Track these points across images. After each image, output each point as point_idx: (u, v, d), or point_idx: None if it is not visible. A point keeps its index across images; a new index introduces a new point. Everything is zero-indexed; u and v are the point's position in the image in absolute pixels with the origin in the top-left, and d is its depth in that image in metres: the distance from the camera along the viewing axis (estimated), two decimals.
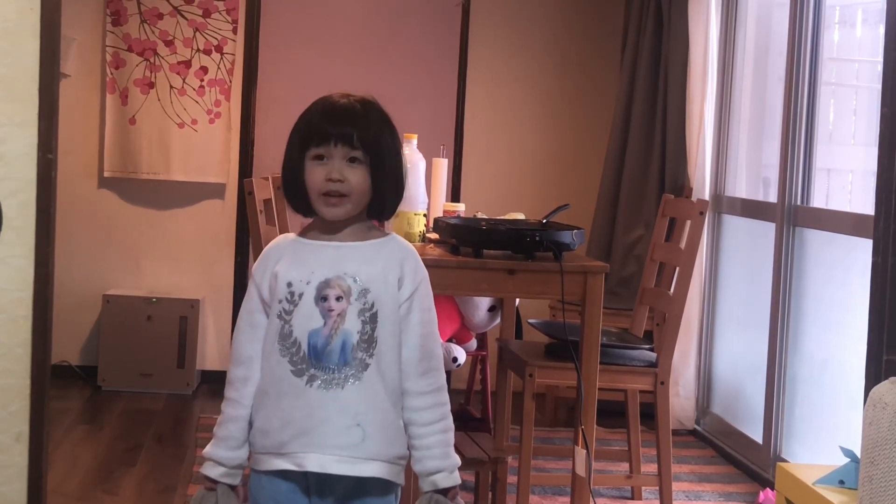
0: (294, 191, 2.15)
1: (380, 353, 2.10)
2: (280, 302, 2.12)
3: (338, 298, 2.09)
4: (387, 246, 2.16)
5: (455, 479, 2.14)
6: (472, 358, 5.01)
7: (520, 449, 3.81)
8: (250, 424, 2.17)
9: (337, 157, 2.10)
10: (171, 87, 5.77)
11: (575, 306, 3.54)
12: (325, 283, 2.10)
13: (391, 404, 2.11)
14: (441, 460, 2.12)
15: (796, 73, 4.53)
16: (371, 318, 2.09)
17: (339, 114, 2.13)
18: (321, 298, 2.09)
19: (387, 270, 2.12)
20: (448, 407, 2.17)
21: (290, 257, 2.15)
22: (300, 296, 2.10)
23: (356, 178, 2.10)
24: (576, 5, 6.07)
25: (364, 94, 2.20)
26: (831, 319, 4.26)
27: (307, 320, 2.09)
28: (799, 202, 4.53)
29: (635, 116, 5.60)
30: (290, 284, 2.11)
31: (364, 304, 2.09)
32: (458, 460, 2.15)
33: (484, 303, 4.74)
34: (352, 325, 2.08)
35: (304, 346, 2.09)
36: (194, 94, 5.79)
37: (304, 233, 2.20)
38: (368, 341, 2.09)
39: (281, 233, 4.23)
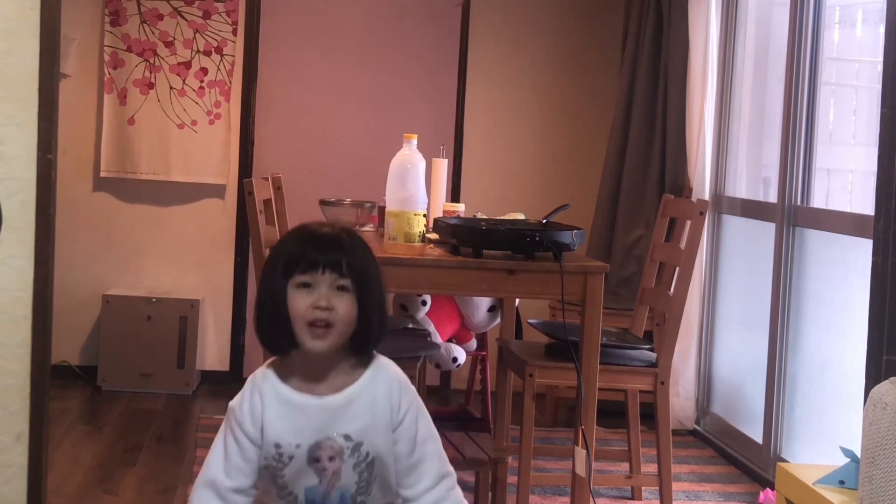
0: (273, 321, 2.05)
1: (378, 485, 2.09)
2: (267, 458, 2.07)
3: (331, 459, 2.05)
4: (374, 385, 2.09)
5: None
6: (472, 358, 5.01)
7: (520, 449, 3.81)
8: None
9: (324, 285, 2.02)
10: (171, 87, 5.77)
11: (575, 306, 3.54)
12: (317, 446, 2.05)
13: None
14: None
15: (796, 73, 4.53)
16: (368, 467, 2.07)
17: (326, 241, 2.05)
18: (314, 460, 2.06)
19: (378, 414, 2.07)
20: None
21: (275, 411, 2.07)
22: (290, 457, 2.06)
23: (344, 306, 2.02)
24: (576, 5, 6.07)
25: (343, 225, 2.14)
26: (831, 319, 4.26)
27: (301, 478, 2.06)
28: (799, 202, 4.53)
29: (635, 116, 5.60)
30: (278, 446, 2.05)
31: (359, 458, 2.06)
32: None
33: (484, 303, 4.74)
34: (348, 479, 2.06)
35: (301, 498, 2.07)
36: (194, 95, 5.79)
37: (285, 377, 2.09)
38: (367, 483, 2.08)
39: (281, 232, 4.24)
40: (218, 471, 2.08)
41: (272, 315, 2.05)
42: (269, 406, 2.06)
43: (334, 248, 2.04)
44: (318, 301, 2.01)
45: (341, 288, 2.03)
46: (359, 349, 2.08)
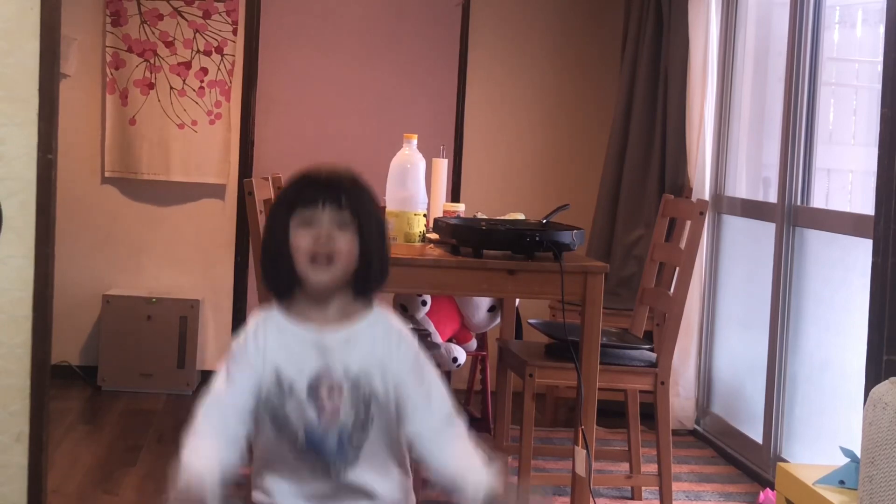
0: (276, 260, 2.08)
1: (377, 428, 2.09)
2: (269, 389, 2.08)
3: (329, 395, 2.07)
4: (374, 326, 2.11)
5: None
6: (472, 358, 5.01)
7: (520, 449, 3.81)
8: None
9: (325, 221, 2.06)
10: (172, 87, 5.77)
11: (575, 306, 3.54)
12: (316, 378, 2.07)
13: (396, 464, 2.13)
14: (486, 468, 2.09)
15: (796, 73, 4.53)
16: (365, 406, 2.08)
17: (326, 179, 2.09)
18: (313, 395, 2.07)
19: (378, 354, 2.09)
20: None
21: (276, 341, 2.10)
22: (290, 388, 2.08)
23: (344, 241, 2.06)
24: (576, 5, 6.07)
25: (346, 167, 2.17)
26: (831, 319, 4.26)
27: (302, 413, 2.07)
28: (799, 202, 4.53)
29: (635, 116, 5.60)
30: (279, 374, 2.08)
31: (356, 395, 2.07)
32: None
33: (484, 303, 4.74)
34: (346, 418, 2.07)
35: (302, 436, 2.07)
36: (194, 95, 5.79)
37: (288, 313, 2.12)
38: (365, 422, 2.08)
39: None
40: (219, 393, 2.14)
41: (276, 254, 2.08)
42: (271, 336, 2.09)
43: (335, 185, 2.08)
44: (319, 235, 2.05)
45: (342, 225, 2.06)
46: (360, 288, 2.11)
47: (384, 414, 2.09)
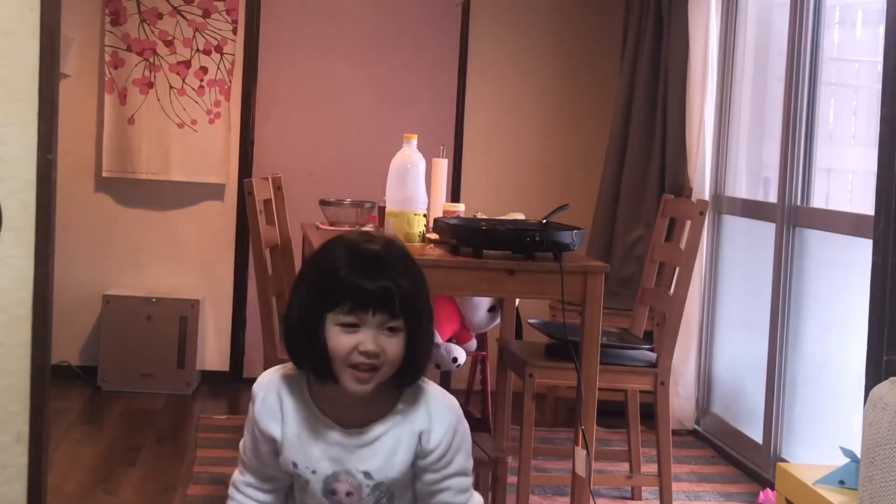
0: (305, 352, 1.82)
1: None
2: (288, 471, 1.92)
3: (348, 494, 1.89)
4: (405, 418, 1.88)
5: None
6: (472, 358, 5.01)
7: (520, 449, 3.81)
8: None
9: (372, 327, 1.78)
10: (171, 87, 5.77)
11: (575, 306, 3.54)
12: (333, 478, 1.88)
13: None
14: None
15: (796, 73, 4.53)
16: (388, 500, 1.93)
17: (375, 271, 1.78)
18: (330, 492, 1.90)
19: (402, 452, 1.87)
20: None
21: (294, 428, 1.88)
22: (306, 482, 1.90)
23: (392, 348, 1.80)
24: (576, 5, 6.07)
25: (384, 236, 1.90)
26: (831, 319, 4.26)
27: (319, 502, 1.93)
28: (799, 202, 4.53)
29: (635, 116, 5.60)
30: (294, 466, 1.90)
31: (379, 494, 1.90)
32: None
33: (484, 303, 4.73)
34: None
35: None
36: (194, 95, 5.79)
37: (312, 391, 1.88)
38: None
39: (280, 233, 4.24)
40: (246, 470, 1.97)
41: (307, 346, 1.82)
42: (290, 420, 1.89)
43: (385, 281, 1.78)
44: (366, 345, 1.78)
45: (392, 330, 1.80)
46: (396, 383, 1.87)
47: (405, 496, 1.95)
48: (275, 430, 1.90)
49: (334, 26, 5.96)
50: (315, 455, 1.88)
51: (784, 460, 4.44)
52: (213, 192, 5.90)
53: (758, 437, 4.71)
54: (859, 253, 3.88)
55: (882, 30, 3.27)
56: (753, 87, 5.24)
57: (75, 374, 5.74)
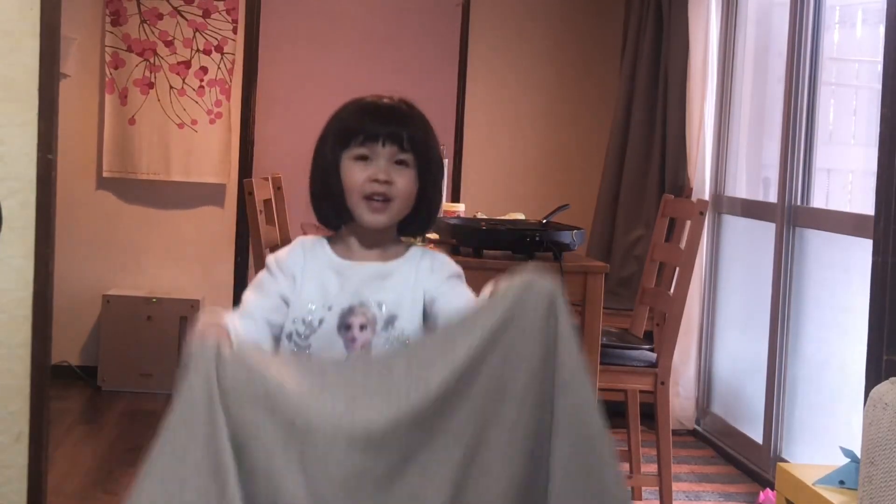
0: (326, 195, 1.95)
1: None
2: (295, 322, 1.95)
3: (362, 328, 1.94)
4: (418, 261, 2.00)
5: None
6: None
7: None
8: None
9: (383, 158, 1.93)
10: (171, 87, 5.77)
11: (575, 306, 3.54)
12: (349, 311, 1.94)
13: None
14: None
15: (796, 73, 4.53)
16: (398, 344, 1.96)
17: (386, 112, 1.97)
18: (344, 326, 1.94)
19: (415, 288, 1.97)
20: None
21: (314, 270, 1.97)
22: (320, 321, 1.94)
23: (403, 181, 1.93)
24: (576, 5, 6.07)
25: (402, 96, 2.05)
26: (831, 320, 4.26)
27: (327, 348, 1.94)
28: (799, 202, 4.53)
29: (635, 116, 5.60)
30: (310, 306, 1.94)
31: (391, 333, 1.94)
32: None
33: None
34: (378, 351, 1.94)
35: None
36: (194, 95, 5.79)
37: (333, 244, 2.00)
38: None
39: (280, 233, 4.24)
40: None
41: (325, 188, 1.95)
42: (310, 265, 1.97)
43: (395, 119, 1.96)
44: (377, 174, 1.92)
45: (401, 162, 1.94)
46: (405, 230, 2.01)
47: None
48: (296, 265, 1.97)
49: (334, 26, 5.96)
50: (332, 291, 1.95)
51: (784, 460, 4.44)
52: (213, 192, 5.90)
53: (758, 437, 4.71)
54: (859, 253, 3.88)
55: (882, 30, 3.27)
56: (753, 88, 5.24)
57: (75, 374, 5.74)
